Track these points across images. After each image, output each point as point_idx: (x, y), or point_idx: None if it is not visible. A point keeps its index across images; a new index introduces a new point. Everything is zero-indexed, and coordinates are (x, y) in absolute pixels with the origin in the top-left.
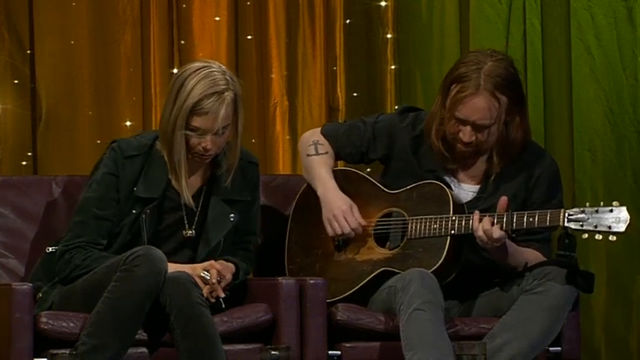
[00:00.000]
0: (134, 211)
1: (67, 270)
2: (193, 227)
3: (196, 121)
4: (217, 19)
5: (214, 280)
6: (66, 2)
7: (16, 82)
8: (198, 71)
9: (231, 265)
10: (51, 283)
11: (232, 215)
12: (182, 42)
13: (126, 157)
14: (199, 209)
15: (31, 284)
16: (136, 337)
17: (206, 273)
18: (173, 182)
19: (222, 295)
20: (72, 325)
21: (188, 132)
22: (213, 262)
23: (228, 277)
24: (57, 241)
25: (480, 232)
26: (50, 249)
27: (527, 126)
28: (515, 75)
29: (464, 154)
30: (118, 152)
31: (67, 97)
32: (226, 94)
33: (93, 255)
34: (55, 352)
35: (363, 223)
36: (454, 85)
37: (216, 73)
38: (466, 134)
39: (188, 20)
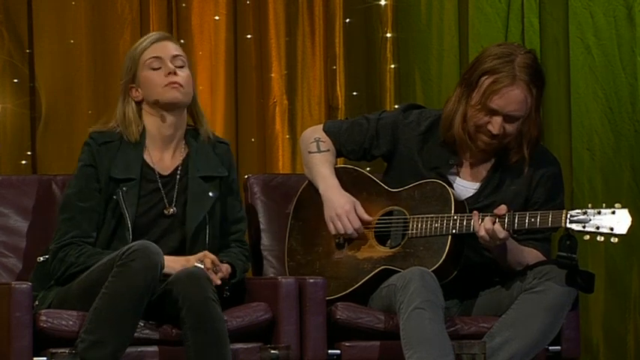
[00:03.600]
0: (114, 197)
1: (62, 268)
2: (174, 205)
3: (151, 57)
4: (217, 18)
5: (209, 267)
6: (65, 1)
7: (15, 81)
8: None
9: (226, 265)
10: (47, 286)
11: (211, 193)
12: (182, 41)
13: (100, 145)
14: (177, 187)
15: (30, 283)
16: (137, 333)
17: (199, 264)
18: (147, 156)
19: (219, 282)
20: (71, 323)
21: (149, 71)
22: (207, 252)
23: (224, 269)
24: (47, 251)
25: (483, 232)
26: (41, 259)
27: (541, 123)
28: (542, 69)
29: (488, 146)
30: (92, 143)
31: (66, 97)
32: (166, 36)
33: (87, 251)
34: (54, 350)
35: (367, 218)
36: (485, 77)
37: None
38: (496, 125)
39: (187, 19)
